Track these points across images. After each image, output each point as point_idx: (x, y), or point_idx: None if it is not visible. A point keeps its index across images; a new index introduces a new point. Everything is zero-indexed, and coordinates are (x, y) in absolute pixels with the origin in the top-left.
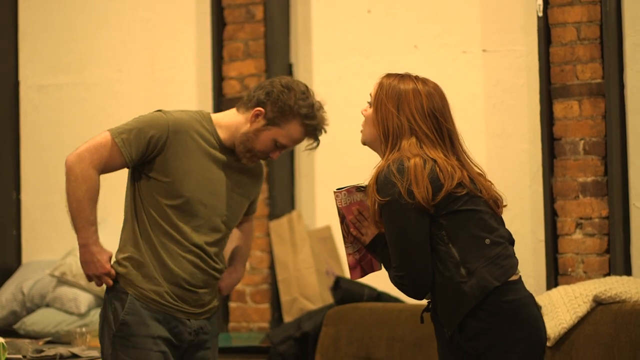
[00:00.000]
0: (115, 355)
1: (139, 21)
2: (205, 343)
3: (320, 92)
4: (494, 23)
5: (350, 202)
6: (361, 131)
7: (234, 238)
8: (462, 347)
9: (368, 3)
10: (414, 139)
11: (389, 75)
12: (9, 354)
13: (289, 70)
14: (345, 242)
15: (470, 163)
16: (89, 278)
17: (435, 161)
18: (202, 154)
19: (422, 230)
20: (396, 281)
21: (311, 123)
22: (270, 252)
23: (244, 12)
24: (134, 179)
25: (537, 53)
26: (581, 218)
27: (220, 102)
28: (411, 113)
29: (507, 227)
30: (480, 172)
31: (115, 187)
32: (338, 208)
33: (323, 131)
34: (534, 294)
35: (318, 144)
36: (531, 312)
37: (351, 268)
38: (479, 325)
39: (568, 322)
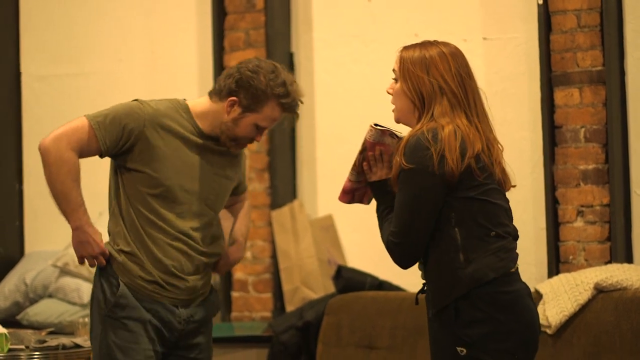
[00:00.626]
0: (105, 334)
1: (140, 11)
2: (198, 330)
3: (321, 79)
4: (494, 11)
5: (379, 141)
6: (393, 110)
7: (228, 219)
8: (456, 333)
9: None
10: (445, 101)
11: (407, 47)
12: (12, 344)
13: (290, 58)
14: (352, 169)
15: (487, 126)
16: (82, 259)
17: (460, 129)
18: (180, 141)
19: (436, 204)
20: (388, 244)
21: (286, 101)
22: (272, 242)
23: (245, 2)
24: (115, 172)
25: (537, 41)
26: (582, 206)
27: None
28: (440, 75)
29: None
30: (495, 137)
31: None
32: (365, 139)
33: (300, 103)
34: (535, 282)
35: (298, 117)
36: (527, 304)
37: (344, 191)
38: (474, 314)
39: (569, 310)
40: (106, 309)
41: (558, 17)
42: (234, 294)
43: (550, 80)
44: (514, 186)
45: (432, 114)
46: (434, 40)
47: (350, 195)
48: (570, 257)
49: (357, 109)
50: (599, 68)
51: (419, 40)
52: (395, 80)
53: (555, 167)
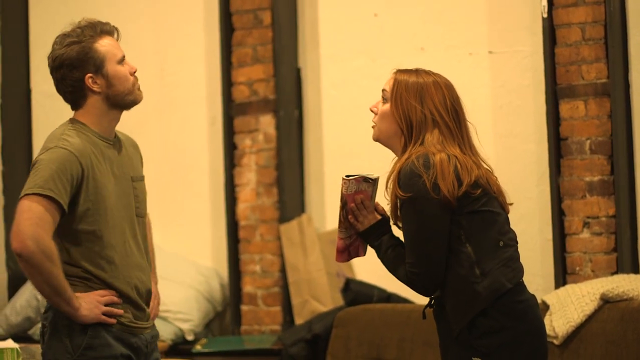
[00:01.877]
0: None
1: (149, 27)
2: (155, 346)
3: (329, 95)
4: (499, 25)
5: (356, 190)
6: (373, 127)
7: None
8: (471, 344)
9: (374, 6)
10: (436, 132)
11: (402, 71)
12: (23, 359)
13: (297, 74)
14: (339, 227)
15: (480, 159)
16: (106, 317)
17: (456, 157)
18: (107, 167)
19: (444, 227)
20: (409, 277)
21: (95, 31)
22: (281, 256)
23: (252, 18)
24: (61, 249)
25: (542, 54)
26: (588, 217)
27: (230, 107)
28: (434, 106)
29: (514, 227)
30: (488, 168)
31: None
32: (342, 194)
33: (109, 23)
34: (542, 293)
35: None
36: (537, 313)
37: (339, 251)
38: (490, 324)
39: (576, 320)
40: (77, 354)
41: (563, 30)
42: (244, 308)
43: (556, 92)
44: (511, 204)
45: (422, 141)
46: (429, 70)
47: (346, 252)
48: (577, 268)
49: (365, 124)
50: (604, 80)
51: (425, 55)
52: (384, 100)
53: (561, 178)
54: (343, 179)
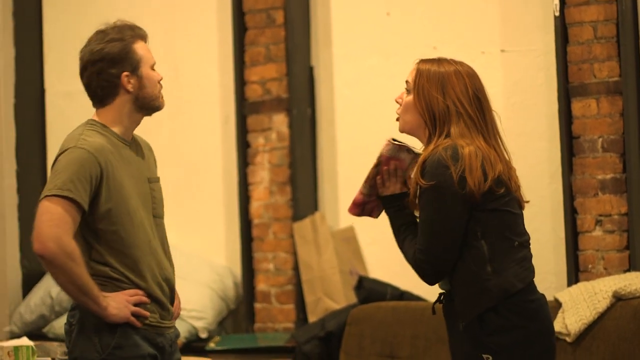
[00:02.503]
0: None
1: (161, 27)
2: (176, 346)
3: (341, 93)
4: (512, 23)
5: (394, 155)
6: (397, 119)
7: None
8: (481, 341)
9: (387, 5)
10: (461, 123)
11: (424, 61)
12: (38, 356)
13: (310, 72)
14: (365, 181)
15: (502, 148)
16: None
17: (481, 150)
18: (125, 168)
19: (462, 221)
20: (416, 262)
21: (134, 33)
22: (294, 254)
23: (265, 17)
24: (83, 247)
25: (554, 52)
26: (601, 215)
27: (243, 106)
28: (457, 96)
29: (527, 225)
30: (508, 159)
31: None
32: (381, 154)
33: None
34: (554, 291)
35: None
36: (547, 311)
37: (355, 203)
38: (501, 323)
39: (588, 318)
40: (105, 353)
41: (575, 28)
42: (257, 306)
43: (568, 91)
44: (528, 202)
45: (448, 133)
46: (451, 59)
47: (361, 207)
48: (589, 266)
49: (377, 122)
50: (616, 79)
51: (437, 53)
52: (408, 91)
53: (574, 177)
54: (388, 140)
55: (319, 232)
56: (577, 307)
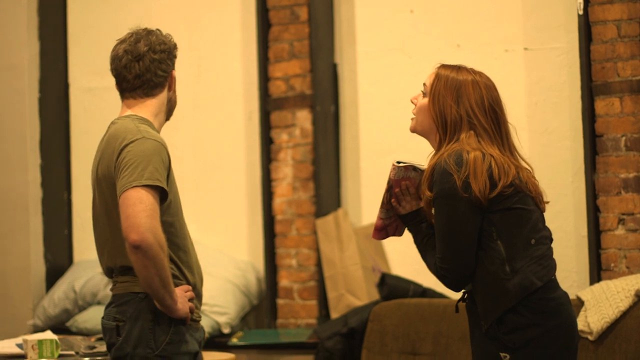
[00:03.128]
0: None
1: (185, 23)
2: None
3: (365, 91)
4: (535, 21)
5: (403, 177)
6: (412, 119)
7: None
8: (499, 339)
9: (411, 3)
10: (472, 133)
11: (444, 67)
12: (62, 350)
13: (333, 70)
14: (381, 207)
15: (519, 158)
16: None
17: (492, 157)
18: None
19: (474, 225)
20: (438, 271)
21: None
22: (317, 250)
23: (289, 14)
24: None
25: (578, 51)
26: (623, 214)
27: (267, 103)
28: (470, 107)
29: (549, 223)
30: (528, 167)
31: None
32: (390, 178)
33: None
34: (577, 289)
35: None
36: (568, 310)
37: (377, 229)
38: (519, 321)
39: (611, 317)
40: (159, 349)
41: (598, 27)
42: (280, 301)
43: (591, 89)
44: (548, 202)
45: (457, 139)
46: (471, 68)
47: (384, 232)
48: (612, 264)
49: (400, 120)
50: (639, 78)
51: (461, 51)
52: (424, 93)
53: (597, 175)
54: (393, 164)
55: (342, 228)
56: (599, 305)
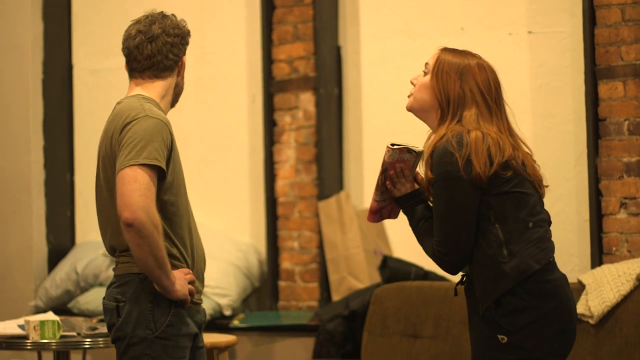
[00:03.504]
0: (157, 357)
1: (189, 5)
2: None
3: (369, 73)
4: (539, 5)
5: (398, 159)
6: (409, 96)
7: None
8: (496, 321)
9: None
10: (474, 110)
11: (448, 49)
12: (64, 331)
13: (337, 52)
14: (376, 190)
15: (520, 142)
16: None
17: (489, 135)
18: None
19: (474, 208)
20: (436, 255)
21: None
22: (319, 232)
23: None
24: None
25: (581, 34)
26: (625, 198)
27: (270, 85)
28: (476, 85)
29: (551, 207)
30: (528, 151)
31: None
32: (384, 160)
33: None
34: (578, 273)
35: None
36: (567, 292)
37: (372, 211)
38: (517, 303)
39: (612, 301)
40: (159, 330)
41: (602, 11)
42: (281, 284)
43: (595, 73)
44: (547, 186)
45: (459, 118)
46: (475, 53)
47: (378, 214)
48: (613, 248)
49: (404, 102)
50: None
51: (465, 34)
52: (425, 73)
53: (599, 159)
54: (387, 146)
55: (344, 211)
56: (600, 289)
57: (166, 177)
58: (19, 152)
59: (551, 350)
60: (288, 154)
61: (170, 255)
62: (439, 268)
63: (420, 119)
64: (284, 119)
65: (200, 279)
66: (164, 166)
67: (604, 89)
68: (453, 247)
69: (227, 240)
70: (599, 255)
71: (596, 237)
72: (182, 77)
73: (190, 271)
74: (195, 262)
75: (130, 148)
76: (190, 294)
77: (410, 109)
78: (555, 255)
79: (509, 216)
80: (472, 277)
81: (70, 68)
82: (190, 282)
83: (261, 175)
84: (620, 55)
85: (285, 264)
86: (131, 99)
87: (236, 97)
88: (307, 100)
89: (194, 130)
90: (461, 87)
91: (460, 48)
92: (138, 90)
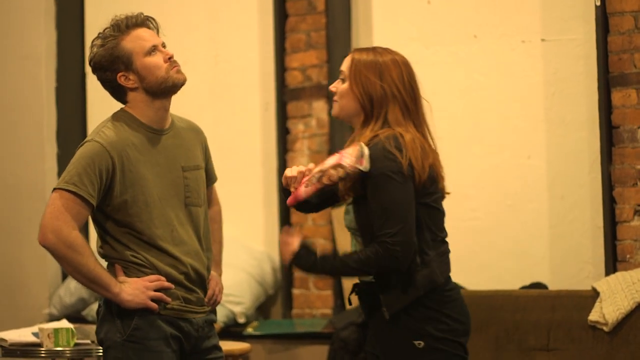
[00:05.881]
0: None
1: (203, 14)
2: (209, 332)
3: None
4: (552, 12)
5: (346, 175)
6: (334, 102)
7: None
8: (411, 328)
9: None
10: (397, 109)
11: (359, 50)
12: (78, 339)
13: None
14: (314, 179)
15: (429, 137)
16: (154, 303)
17: (418, 139)
18: (151, 158)
19: (414, 201)
20: (390, 249)
21: (126, 23)
22: (333, 240)
23: (306, 4)
24: (103, 235)
25: (595, 42)
26: (639, 205)
27: (283, 93)
28: (393, 82)
29: (566, 214)
30: (435, 149)
31: None
32: (348, 165)
33: (140, 14)
34: (592, 280)
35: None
36: (463, 300)
37: (299, 196)
38: (426, 312)
39: (626, 308)
40: (126, 334)
41: (616, 18)
42: (295, 291)
43: (608, 81)
44: (449, 193)
45: (385, 120)
46: (387, 48)
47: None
48: (627, 255)
49: None
50: None
51: (478, 42)
52: (342, 80)
53: (613, 166)
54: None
55: None
56: (614, 296)
57: (113, 198)
58: (33, 160)
59: (462, 347)
60: (301, 161)
61: (134, 263)
62: (456, 275)
63: (349, 123)
64: (297, 127)
65: (185, 287)
66: (83, 192)
67: (617, 96)
68: (409, 235)
69: (241, 248)
70: (612, 262)
71: (610, 244)
72: (141, 79)
73: (161, 278)
74: (171, 271)
75: (64, 172)
76: (160, 300)
77: (337, 116)
78: (569, 261)
79: (424, 227)
80: (376, 284)
81: (83, 76)
82: (161, 289)
83: (274, 182)
84: (633, 62)
85: (299, 271)
86: (107, 118)
87: (249, 105)
88: (320, 108)
89: (207, 137)
90: (381, 86)
91: (466, 60)
92: (125, 106)
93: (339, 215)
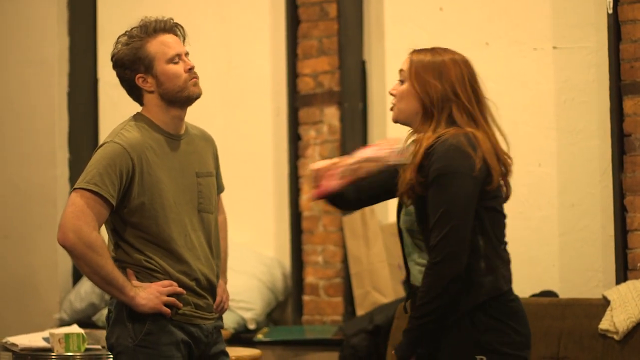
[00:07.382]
0: None
1: (215, 20)
2: (217, 338)
3: None
4: (564, 20)
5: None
6: (392, 109)
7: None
8: (474, 340)
9: (440, 1)
10: (459, 109)
11: (418, 51)
12: (88, 344)
13: (362, 66)
14: (348, 172)
15: (497, 133)
16: (167, 308)
17: (490, 137)
18: (167, 162)
19: (473, 209)
20: (445, 253)
21: (152, 27)
22: (344, 247)
23: (318, 10)
24: (117, 239)
25: (607, 50)
26: None
27: (295, 99)
28: (452, 81)
29: (577, 222)
30: (504, 149)
31: None
32: (383, 157)
33: (170, 20)
34: (603, 289)
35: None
36: (524, 312)
37: (326, 191)
38: (490, 322)
39: (637, 316)
40: (138, 339)
41: (628, 26)
42: (306, 298)
43: (620, 89)
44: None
45: (448, 121)
46: (445, 48)
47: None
48: (638, 264)
49: None
50: None
51: (489, 49)
52: (402, 81)
53: (624, 175)
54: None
55: (369, 225)
56: (625, 305)
57: (131, 200)
58: (45, 165)
59: None
60: None
61: (147, 268)
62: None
63: (409, 126)
64: (309, 133)
65: (196, 294)
66: (104, 192)
67: (629, 104)
68: (461, 239)
69: (252, 254)
70: (624, 271)
71: (621, 252)
72: (159, 84)
73: (174, 283)
74: (183, 277)
75: (84, 173)
76: (172, 305)
77: (396, 120)
78: (580, 270)
79: (489, 231)
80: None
81: (95, 81)
82: (174, 294)
83: (286, 189)
84: None
85: (310, 278)
86: (125, 121)
87: (261, 111)
88: (331, 114)
89: (218, 143)
90: (442, 87)
91: (477, 68)
92: (142, 109)
93: (350, 222)
